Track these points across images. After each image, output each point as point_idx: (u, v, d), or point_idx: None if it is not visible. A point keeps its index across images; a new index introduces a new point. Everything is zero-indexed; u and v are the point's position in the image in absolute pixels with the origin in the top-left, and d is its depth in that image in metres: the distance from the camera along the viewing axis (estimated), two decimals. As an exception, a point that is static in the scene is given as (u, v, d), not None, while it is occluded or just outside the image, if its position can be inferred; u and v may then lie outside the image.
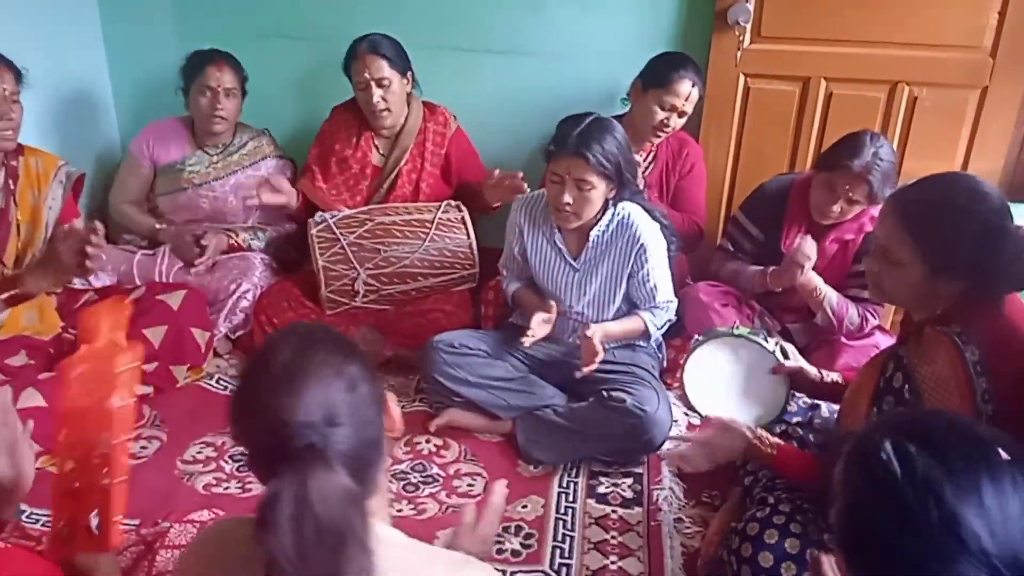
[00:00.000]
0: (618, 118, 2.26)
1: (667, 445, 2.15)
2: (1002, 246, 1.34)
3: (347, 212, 2.69)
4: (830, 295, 2.28)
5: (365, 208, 2.73)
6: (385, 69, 2.61)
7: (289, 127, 3.13)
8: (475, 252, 2.69)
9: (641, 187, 2.24)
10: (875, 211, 2.27)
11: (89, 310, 1.31)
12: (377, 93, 2.62)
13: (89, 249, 1.99)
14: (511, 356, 2.33)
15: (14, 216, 2.26)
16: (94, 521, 1.21)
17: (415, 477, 2.12)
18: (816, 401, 1.95)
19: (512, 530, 1.94)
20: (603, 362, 2.25)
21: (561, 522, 1.98)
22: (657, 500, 2.05)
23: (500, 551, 1.88)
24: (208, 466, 2.14)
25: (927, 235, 1.37)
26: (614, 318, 2.27)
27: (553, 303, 2.20)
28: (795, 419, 1.92)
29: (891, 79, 2.62)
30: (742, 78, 2.72)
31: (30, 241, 2.30)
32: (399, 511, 1.99)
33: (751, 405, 1.89)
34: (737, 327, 1.98)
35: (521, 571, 1.83)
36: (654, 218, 2.22)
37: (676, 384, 2.48)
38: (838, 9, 2.57)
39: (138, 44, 3.06)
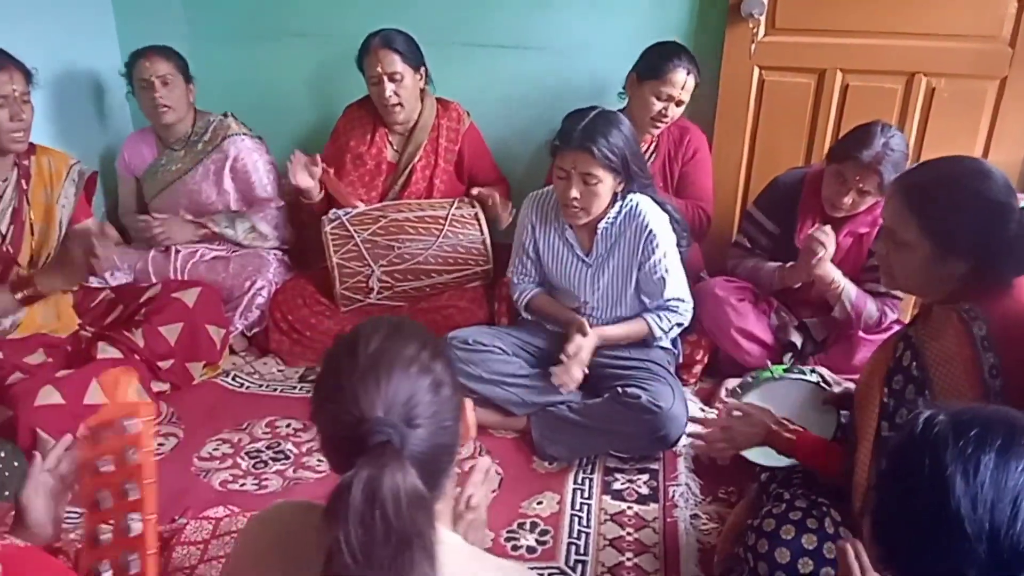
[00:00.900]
0: (617, 112, 2.24)
1: (683, 441, 2.14)
2: (1007, 225, 1.33)
3: (361, 209, 2.70)
4: (848, 288, 2.26)
5: (379, 205, 2.73)
6: (398, 64, 2.61)
7: (303, 124, 3.14)
8: (489, 248, 2.69)
9: (649, 180, 2.21)
10: (890, 203, 2.25)
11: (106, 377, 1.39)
12: (390, 88, 2.62)
13: (96, 250, 2.02)
14: (526, 352, 2.32)
15: (27, 216, 2.27)
16: (131, 558, 1.24)
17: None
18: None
19: (527, 526, 1.94)
20: (618, 358, 2.25)
21: (576, 518, 1.97)
22: (673, 496, 2.04)
23: (515, 547, 1.88)
24: (224, 463, 2.15)
25: (931, 213, 1.36)
26: (629, 313, 2.26)
27: (585, 322, 2.18)
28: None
29: (908, 70, 2.59)
30: (756, 71, 2.70)
31: (44, 240, 2.32)
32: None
33: None
34: (772, 368, 1.95)
35: (537, 567, 1.82)
36: (664, 211, 2.21)
37: (692, 381, 2.49)
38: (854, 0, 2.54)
39: (152, 43, 3.07)
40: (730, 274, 2.51)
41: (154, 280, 2.64)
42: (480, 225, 2.69)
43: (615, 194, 2.11)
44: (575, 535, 1.92)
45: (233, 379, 2.53)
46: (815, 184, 2.31)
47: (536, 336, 2.35)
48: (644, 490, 2.07)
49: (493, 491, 1.98)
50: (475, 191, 2.75)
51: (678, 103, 2.50)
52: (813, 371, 1.90)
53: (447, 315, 2.59)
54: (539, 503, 2.02)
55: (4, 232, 2.22)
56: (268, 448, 2.22)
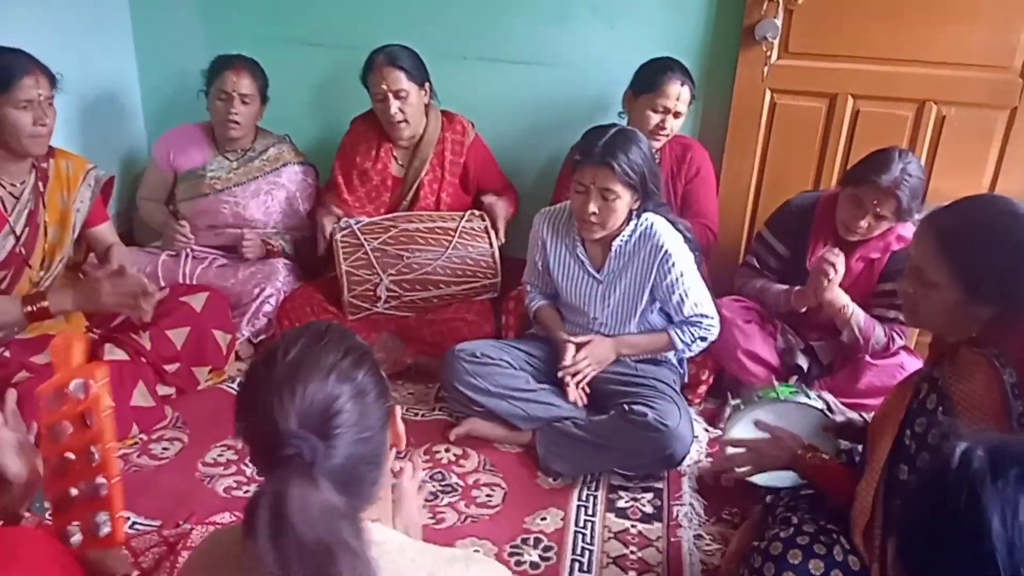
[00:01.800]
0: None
1: (689, 460, 2.14)
2: None
3: (372, 218, 2.71)
4: (857, 313, 2.26)
5: (390, 215, 2.74)
6: (403, 81, 2.62)
7: (311, 132, 3.16)
8: (497, 262, 2.70)
9: (664, 201, 2.23)
10: (901, 229, 2.26)
11: (58, 341, 1.36)
12: (395, 105, 2.63)
13: (140, 306, 2.09)
14: (532, 367, 2.33)
15: (42, 218, 2.27)
16: (102, 519, 1.24)
17: (434, 486, 2.12)
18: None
19: (531, 542, 1.94)
20: (624, 375, 2.25)
21: (580, 535, 1.97)
22: (677, 516, 2.04)
23: (519, 563, 1.87)
24: (228, 469, 2.15)
25: (963, 257, 1.36)
26: (637, 331, 2.27)
27: (571, 347, 2.22)
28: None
29: (919, 97, 2.61)
30: (768, 94, 2.72)
31: (58, 243, 2.32)
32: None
33: None
34: (777, 387, 1.95)
35: (540, 584, 1.82)
36: (677, 230, 2.22)
37: (698, 400, 2.49)
38: (866, 26, 2.56)
39: (167, 49, 3.10)
40: (737, 293, 2.51)
41: (163, 284, 2.64)
42: (490, 238, 2.70)
43: (631, 211, 2.12)
44: (579, 552, 1.92)
45: (239, 385, 2.52)
46: (828, 208, 2.32)
47: (543, 351, 2.36)
48: (648, 509, 2.07)
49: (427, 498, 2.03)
50: (485, 199, 2.76)
51: (675, 115, 2.52)
52: (819, 396, 1.90)
53: (454, 327, 2.59)
54: (543, 519, 2.02)
55: (19, 233, 2.22)
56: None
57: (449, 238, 2.66)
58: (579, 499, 2.10)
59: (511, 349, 2.34)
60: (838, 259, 2.19)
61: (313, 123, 3.17)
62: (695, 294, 2.20)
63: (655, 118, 2.51)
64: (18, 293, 2.20)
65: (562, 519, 2.02)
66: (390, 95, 2.62)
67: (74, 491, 1.25)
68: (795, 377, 2.38)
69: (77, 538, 1.25)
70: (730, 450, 1.80)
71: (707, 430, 2.37)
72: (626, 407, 2.13)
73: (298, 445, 0.87)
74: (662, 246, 2.15)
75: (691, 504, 2.08)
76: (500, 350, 2.32)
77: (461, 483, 2.14)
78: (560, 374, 2.20)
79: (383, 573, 0.86)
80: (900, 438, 1.42)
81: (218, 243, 2.80)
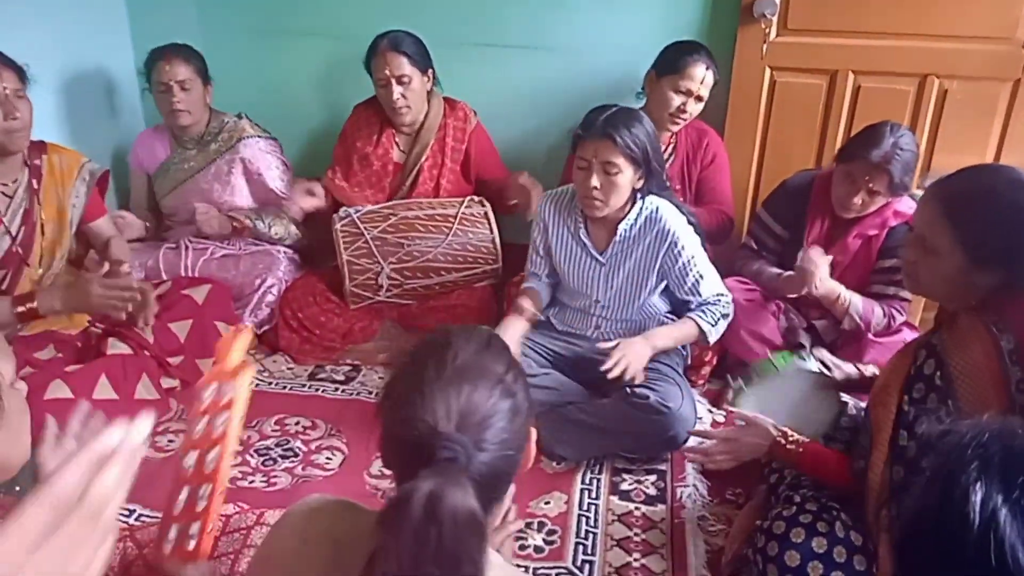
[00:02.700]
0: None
1: (690, 442, 2.13)
2: None
3: (371, 207, 2.70)
4: (855, 301, 2.24)
5: (389, 203, 2.74)
6: (406, 66, 2.61)
7: (311, 123, 3.15)
8: (498, 247, 2.69)
9: (668, 183, 2.21)
10: (898, 205, 2.24)
11: (227, 336, 1.32)
12: (397, 90, 2.62)
13: (130, 307, 2.05)
14: (534, 352, 2.32)
15: (38, 215, 2.27)
16: (194, 530, 1.20)
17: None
18: (844, 399, 1.93)
19: (535, 526, 1.94)
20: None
21: (584, 519, 1.97)
22: (681, 497, 2.03)
23: (523, 547, 1.88)
24: (233, 460, 2.15)
25: (967, 224, 1.35)
26: (640, 315, 2.26)
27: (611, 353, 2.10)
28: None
29: (921, 72, 2.58)
30: (768, 71, 2.69)
31: (56, 240, 2.32)
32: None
33: (806, 426, 1.83)
34: (773, 358, 1.95)
35: (544, 567, 1.83)
36: (682, 213, 2.20)
37: (700, 382, 2.48)
38: (866, 1, 2.53)
39: (164, 41, 3.08)
40: (736, 274, 2.50)
41: (165, 277, 2.65)
42: (490, 224, 2.70)
43: (634, 191, 2.11)
44: (583, 535, 1.92)
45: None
46: (824, 186, 2.30)
47: (545, 336, 2.35)
48: (652, 491, 2.07)
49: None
50: (521, 179, 2.67)
51: (697, 98, 2.50)
52: (811, 355, 1.90)
53: (456, 314, 2.59)
54: (547, 503, 2.02)
55: (15, 233, 2.22)
56: (277, 446, 2.22)
57: (449, 225, 2.66)
58: (582, 482, 2.10)
59: (513, 334, 2.34)
60: (821, 258, 2.17)
61: (313, 113, 3.16)
62: (708, 275, 2.19)
63: (677, 100, 2.48)
64: (19, 292, 2.20)
65: (566, 503, 2.02)
66: (393, 80, 2.61)
67: (184, 493, 1.19)
68: (783, 319, 2.38)
69: (170, 545, 1.17)
70: (703, 442, 1.81)
71: (710, 411, 2.36)
72: (628, 390, 2.12)
73: (454, 449, 0.87)
74: (669, 230, 2.14)
75: (695, 485, 2.07)
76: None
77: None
78: (609, 367, 2.07)
79: None
80: (899, 405, 1.41)
81: (206, 233, 2.79)
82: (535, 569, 1.82)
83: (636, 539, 1.91)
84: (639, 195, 2.13)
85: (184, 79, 2.67)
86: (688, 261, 2.16)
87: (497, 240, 2.69)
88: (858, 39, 2.59)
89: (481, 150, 2.84)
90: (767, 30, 2.62)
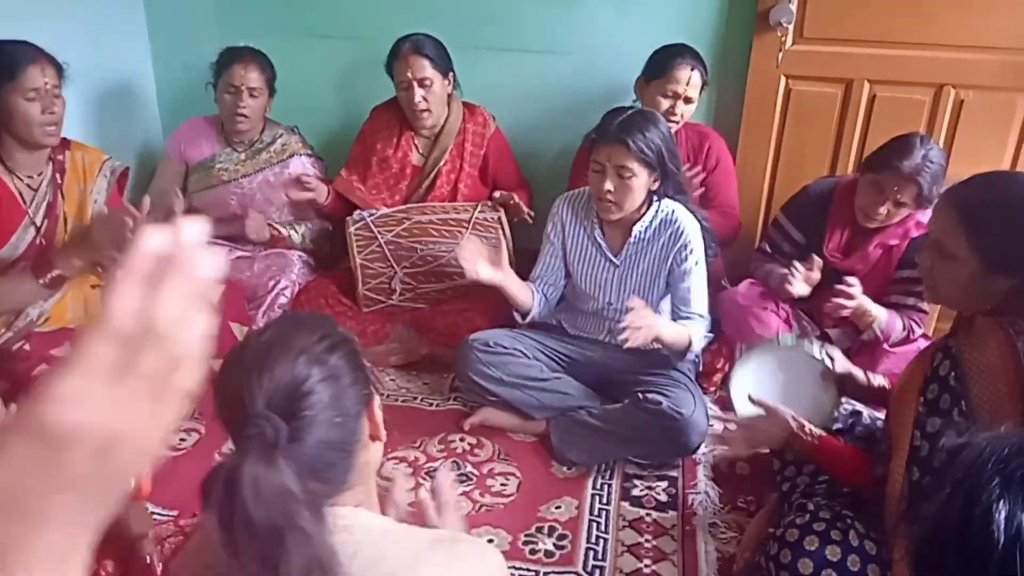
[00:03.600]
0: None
1: (703, 448, 2.13)
2: None
3: (385, 211, 2.71)
4: (880, 316, 2.22)
5: (403, 207, 2.74)
6: (427, 69, 2.62)
7: (327, 125, 3.16)
8: (511, 253, 2.69)
9: (685, 188, 2.22)
10: (921, 216, 2.23)
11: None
12: (419, 93, 2.63)
13: (127, 234, 2.02)
14: (546, 356, 2.32)
15: (61, 209, 2.30)
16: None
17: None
18: (858, 408, 1.92)
19: (545, 530, 1.94)
20: (639, 363, 2.24)
21: (595, 524, 1.97)
22: (692, 504, 2.03)
23: (533, 551, 1.88)
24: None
25: (983, 230, 1.35)
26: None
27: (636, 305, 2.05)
28: (837, 426, 1.88)
29: (936, 82, 2.57)
30: (783, 79, 2.69)
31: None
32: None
33: (800, 413, 1.84)
34: (781, 336, 1.95)
35: (554, 572, 1.82)
36: (696, 219, 2.21)
37: (712, 388, 2.48)
38: (882, 10, 2.53)
39: (181, 40, 3.10)
40: (750, 277, 2.50)
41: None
42: (503, 229, 2.70)
43: (650, 193, 2.11)
44: (593, 540, 1.92)
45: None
46: (846, 194, 2.29)
47: (556, 340, 2.36)
48: (663, 497, 2.07)
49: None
50: (497, 194, 2.76)
51: (686, 100, 2.51)
52: (823, 348, 1.89)
53: (468, 318, 2.59)
54: (557, 507, 2.02)
55: (39, 224, 2.25)
56: (288, 446, 2.23)
57: (463, 229, 2.66)
58: (593, 487, 2.10)
59: (525, 338, 2.34)
60: (856, 289, 2.14)
61: (329, 116, 3.17)
62: (698, 291, 2.19)
63: (665, 103, 2.50)
64: None
65: (576, 508, 2.02)
66: (414, 83, 2.62)
67: None
68: (795, 325, 2.37)
69: None
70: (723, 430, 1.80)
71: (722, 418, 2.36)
72: (640, 395, 2.12)
73: (261, 425, 0.87)
74: (683, 232, 2.14)
75: (706, 492, 2.07)
76: (514, 340, 2.31)
77: (476, 472, 2.15)
78: (624, 323, 2.00)
79: (362, 556, 0.87)
80: (916, 408, 1.41)
81: (228, 233, 2.81)
82: (545, 574, 1.82)
83: (647, 545, 1.91)
84: (655, 197, 2.14)
85: (256, 87, 2.70)
86: (691, 268, 2.16)
87: (510, 245, 2.69)
88: (874, 48, 2.59)
89: (499, 156, 2.84)
90: (783, 38, 2.62)
